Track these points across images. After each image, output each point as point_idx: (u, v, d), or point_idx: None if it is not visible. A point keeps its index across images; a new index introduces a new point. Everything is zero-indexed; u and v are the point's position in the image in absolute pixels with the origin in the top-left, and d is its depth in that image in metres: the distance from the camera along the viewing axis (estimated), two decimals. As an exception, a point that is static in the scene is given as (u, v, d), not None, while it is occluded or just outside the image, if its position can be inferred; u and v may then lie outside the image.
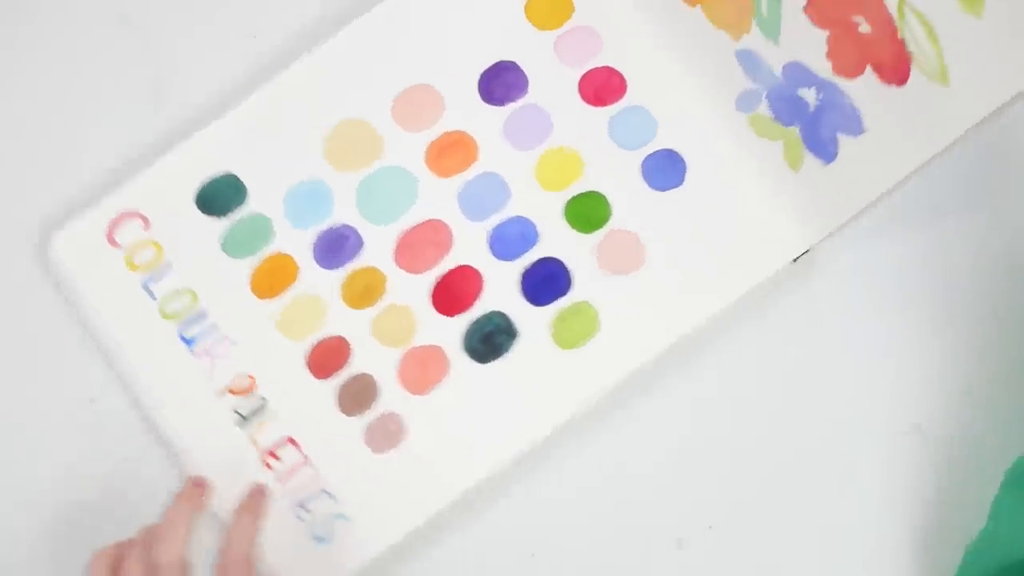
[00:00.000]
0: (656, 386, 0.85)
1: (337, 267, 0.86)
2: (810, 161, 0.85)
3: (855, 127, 0.82)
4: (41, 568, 0.83)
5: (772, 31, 0.84)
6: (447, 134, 0.87)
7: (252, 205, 0.86)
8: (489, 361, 0.84)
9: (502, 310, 0.85)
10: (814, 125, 0.84)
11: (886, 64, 0.81)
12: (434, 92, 0.88)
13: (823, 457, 0.85)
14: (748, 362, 0.86)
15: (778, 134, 0.85)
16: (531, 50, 0.88)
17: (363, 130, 0.87)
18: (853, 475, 0.85)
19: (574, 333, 0.85)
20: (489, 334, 0.85)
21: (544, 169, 0.87)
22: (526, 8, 0.89)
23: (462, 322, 0.85)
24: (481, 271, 0.86)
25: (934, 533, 0.84)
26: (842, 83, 0.82)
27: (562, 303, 0.85)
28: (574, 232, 0.86)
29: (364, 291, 0.85)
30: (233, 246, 0.86)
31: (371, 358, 0.84)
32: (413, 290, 0.85)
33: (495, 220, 0.86)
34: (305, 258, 0.86)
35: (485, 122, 0.87)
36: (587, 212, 0.87)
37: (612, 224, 0.86)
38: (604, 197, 0.87)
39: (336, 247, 0.86)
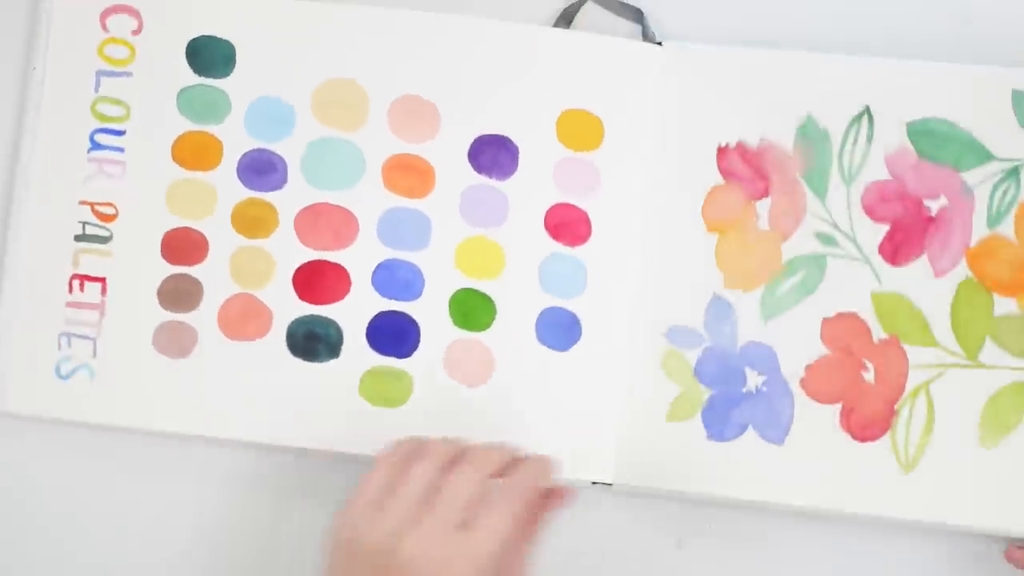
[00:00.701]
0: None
1: (248, 187, 0.87)
2: (693, 425, 0.85)
3: (775, 434, 0.84)
4: None
5: (772, 312, 0.85)
6: (416, 156, 0.88)
7: (229, 83, 0.87)
8: (302, 359, 0.86)
9: (341, 323, 0.86)
10: (731, 402, 0.85)
11: (860, 415, 0.83)
12: (435, 113, 0.88)
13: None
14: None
15: (682, 383, 0.86)
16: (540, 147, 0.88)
17: (355, 97, 0.88)
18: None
19: (383, 394, 0.86)
20: (313, 335, 0.86)
21: (468, 250, 0.87)
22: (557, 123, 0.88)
23: (304, 309, 0.87)
24: (353, 281, 0.87)
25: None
26: (800, 396, 0.84)
27: (392, 362, 0.86)
28: (450, 320, 0.87)
29: (251, 222, 0.87)
30: (186, 102, 0.87)
31: (216, 278, 0.87)
32: (287, 255, 0.87)
33: (395, 254, 0.87)
34: (231, 159, 0.87)
35: (457, 175, 0.88)
36: (471, 310, 0.87)
37: (480, 335, 0.87)
38: (494, 306, 0.87)
39: (261, 169, 0.87)
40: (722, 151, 0.86)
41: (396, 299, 0.87)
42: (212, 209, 0.87)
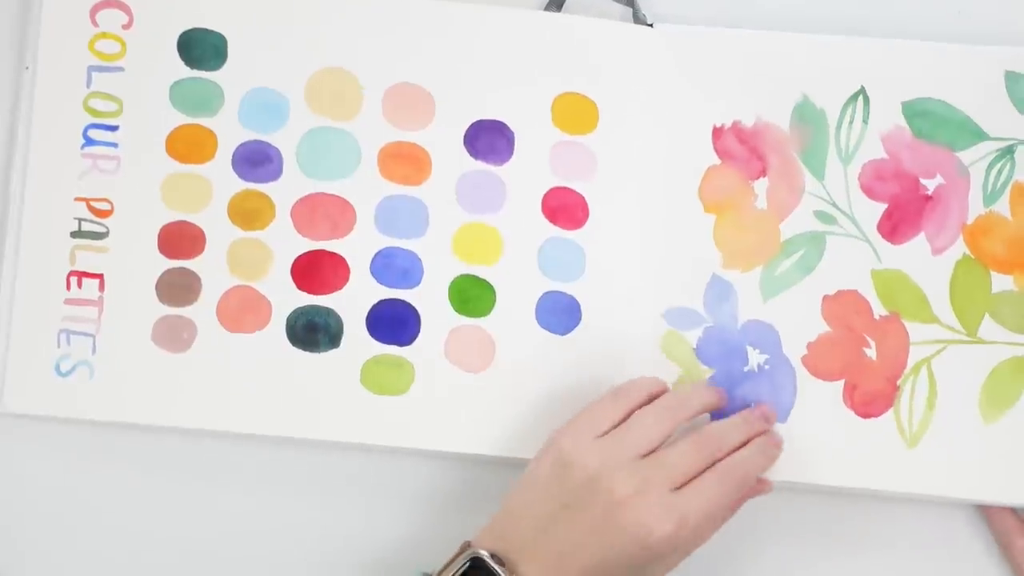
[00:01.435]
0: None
1: (243, 179, 0.87)
2: None
3: (780, 413, 0.84)
4: None
5: (771, 292, 0.85)
6: (411, 144, 0.87)
7: (222, 75, 0.87)
8: (302, 349, 0.86)
9: (340, 313, 0.86)
10: (734, 381, 0.85)
11: (863, 392, 0.84)
12: (430, 100, 0.88)
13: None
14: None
15: (682, 364, 0.86)
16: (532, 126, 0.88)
17: (349, 86, 0.88)
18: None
19: (384, 383, 0.86)
20: (313, 326, 0.86)
21: (466, 236, 0.87)
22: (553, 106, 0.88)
23: (302, 299, 0.87)
24: (351, 270, 0.87)
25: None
26: (802, 373, 0.84)
27: (392, 350, 0.86)
28: (449, 306, 0.87)
29: (248, 213, 0.87)
30: (178, 95, 0.87)
31: (214, 270, 0.86)
32: (285, 246, 0.87)
33: (393, 242, 0.87)
34: (225, 152, 0.87)
35: (453, 162, 0.88)
36: (471, 296, 0.87)
37: (480, 320, 0.87)
38: (493, 292, 0.87)
39: (256, 160, 0.87)
40: (718, 131, 0.86)
41: (395, 287, 0.87)
42: (208, 202, 0.87)
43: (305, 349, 0.86)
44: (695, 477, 0.77)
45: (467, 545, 0.77)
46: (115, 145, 0.87)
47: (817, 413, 0.84)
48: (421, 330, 0.86)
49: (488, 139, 0.87)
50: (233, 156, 0.87)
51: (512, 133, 0.87)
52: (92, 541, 0.87)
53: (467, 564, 0.76)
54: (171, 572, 0.87)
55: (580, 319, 0.87)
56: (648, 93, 0.87)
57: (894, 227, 0.85)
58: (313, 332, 0.86)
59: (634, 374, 0.84)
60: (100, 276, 0.86)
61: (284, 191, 0.87)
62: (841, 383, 0.84)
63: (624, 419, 0.79)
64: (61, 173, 0.86)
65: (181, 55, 0.87)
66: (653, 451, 0.78)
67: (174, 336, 0.86)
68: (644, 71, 0.87)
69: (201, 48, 0.87)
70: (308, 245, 0.87)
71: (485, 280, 0.87)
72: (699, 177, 0.86)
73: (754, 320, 0.85)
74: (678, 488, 0.76)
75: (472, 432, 0.85)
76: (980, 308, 0.84)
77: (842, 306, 0.85)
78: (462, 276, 0.87)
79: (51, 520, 0.87)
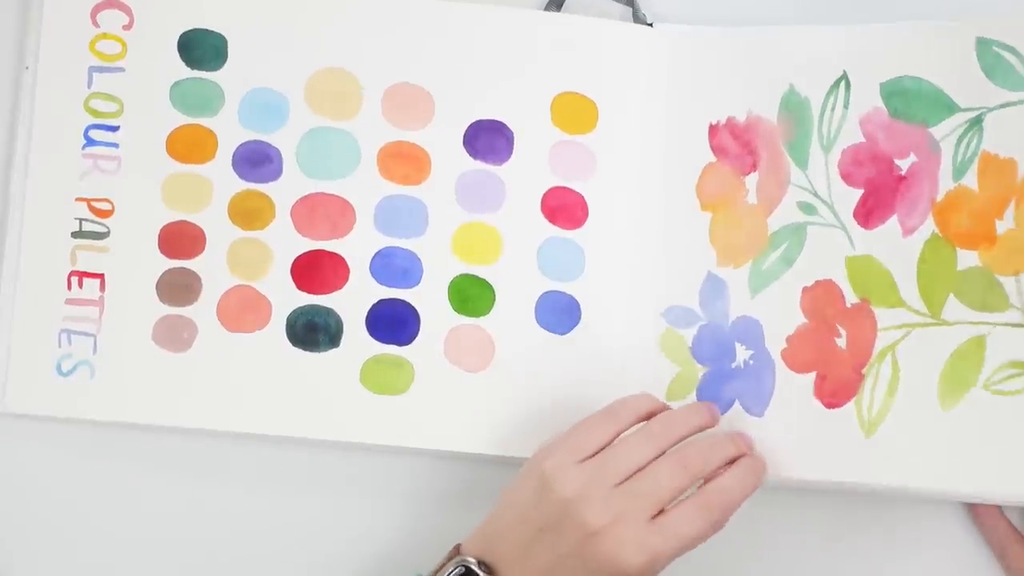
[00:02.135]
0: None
1: (243, 179, 0.87)
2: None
3: (757, 407, 0.83)
4: None
5: (758, 286, 0.85)
6: (411, 144, 0.88)
7: (222, 76, 0.88)
8: (302, 349, 0.86)
9: (340, 312, 0.86)
10: (723, 378, 0.85)
11: (831, 383, 0.82)
12: (429, 100, 0.88)
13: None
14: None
15: (680, 363, 0.86)
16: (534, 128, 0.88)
17: (348, 86, 0.88)
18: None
19: (384, 382, 0.86)
20: (313, 325, 0.86)
21: (466, 236, 0.87)
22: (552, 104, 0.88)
23: (302, 299, 0.87)
24: (351, 270, 0.87)
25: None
26: (780, 367, 0.83)
27: (392, 350, 0.86)
28: (449, 306, 0.87)
29: (248, 213, 0.87)
30: (179, 96, 0.87)
31: (214, 270, 0.87)
32: (285, 246, 0.87)
33: (393, 242, 0.87)
34: (225, 152, 0.87)
35: (453, 162, 0.88)
36: (470, 295, 0.87)
37: (480, 320, 0.87)
38: (493, 291, 0.87)
39: (256, 160, 0.87)
40: (714, 128, 0.86)
41: (395, 287, 0.87)
42: (208, 202, 0.87)
43: (305, 349, 0.86)
44: (679, 497, 0.76)
45: (456, 550, 0.78)
46: (116, 145, 0.87)
47: (789, 408, 0.83)
48: (421, 330, 0.86)
49: (488, 139, 0.88)
50: (233, 156, 0.87)
51: (511, 133, 0.87)
52: (92, 541, 0.87)
53: (456, 571, 0.77)
54: (171, 572, 0.87)
55: (579, 319, 0.87)
56: (648, 92, 0.87)
57: (869, 212, 0.83)
58: (313, 332, 0.86)
59: (633, 374, 0.84)
60: (101, 276, 0.86)
61: (284, 191, 0.87)
62: (813, 375, 0.83)
63: (611, 441, 0.78)
64: (62, 173, 0.86)
65: (181, 55, 0.87)
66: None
67: (174, 336, 0.86)
68: (644, 71, 0.87)
69: (201, 48, 0.88)
70: (308, 245, 0.87)
71: (484, 280, 0.87)
72: (696, 175, 0.86)
73: (743, 316, 0.85)
74: (658, 515, 0.75)
75: (472, 431, 0.86)
76: (945, 288, 0.81)
77: (818, 297, 0.83)
78: (461, 276, 0.87)
79: (51, 520, 0.87)
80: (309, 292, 0.86)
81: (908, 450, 0.80)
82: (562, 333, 0.87)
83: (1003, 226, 0.80)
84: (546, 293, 0.87)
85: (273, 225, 0.87)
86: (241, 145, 0.87)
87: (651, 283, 0.86)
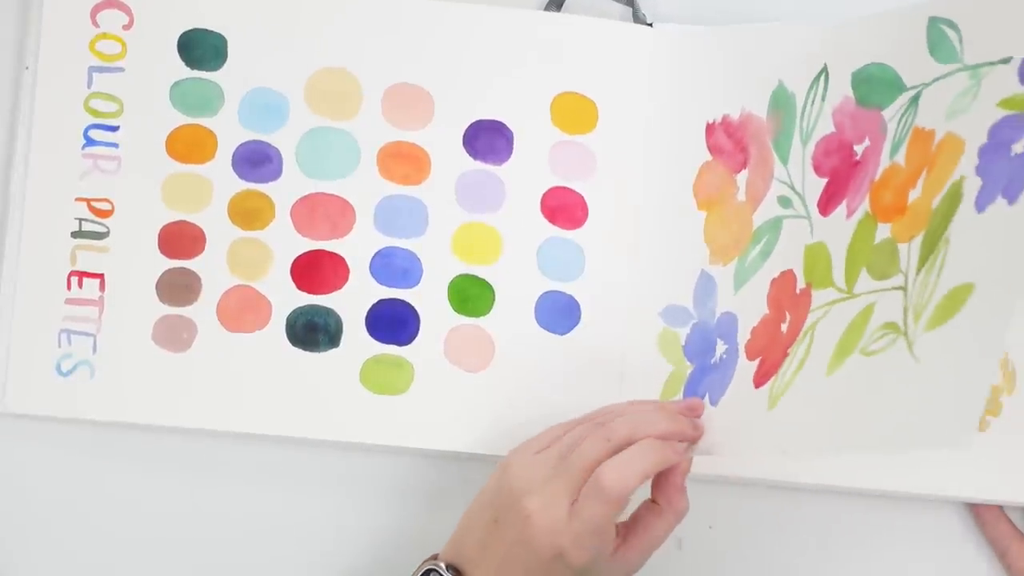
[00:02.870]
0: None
1: (243, 179, 0.87)
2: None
3: (716, 398, 0.83)
4: None
5: (740, 282, 0.85)
6: (411, 144, 0.88)
7: (222, 76, 0.88)
8: (302, 349, 0.86)
9: (340, 312, 0.86)
10: (703, 374, 0.85)
11: (765, 363, 0.81)
12: (429, 100, 0.88)
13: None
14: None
15: (674, 362, 0.86)
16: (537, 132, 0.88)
17: (348, 86, 0.88)
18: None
19: (384, 382, 0.86)
20: (313, 325, 0.86)
21: (466, 236, 0.87)
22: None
23: (302, 299, 0.87)
24: (351, 270, 0.87)
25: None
26: (741, 358, 0.83)
27: (392, 350, 0.86)
28: (449, 306, 0.87)
29: (248, 213, 0.87)
30: (179, 96, 0.87)
31: (214, 270, 0.87)
32: (285, 246, 0.87)
33: (393, 242, 0.87)
34: (225, 152, 0.87)
35: (452, 162, 0.88)
36: (470, 295, 0.87)
37: (479, 320, 0.87)
38: (492, 291, 0.87)
39: (255, 160, 0.87)
40: (710, 127, 0.87)
41: (395, 287, 0.87)
42: (208, 202, 0.87)
43: (305, 349, 0.86)
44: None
45: (434, 558, 0.78)
46: (116, 145, 0.87)
47: (735, 395, 0.82)
48: (420, 330, 0.86)
49: (487, 139, 0.88)
50: (233, 156, 0.87)
51: (511, 133, 0.88)
52: (92, 541, 0.87)
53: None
54: (171, 572, 0.87)
55: (579, 318, 0.87)
56: (648, 92, 0.87)
57: (828, 199, 0.83)
58: (313, 332, 0.86)
59: (632, 373, 0.84)
60: (101, 276, 0.86)
61: (284, 191, 0.87)
62: (757, 361, 0.82)
63: None
64: (62, 173, 0.87)
65: (181, 55, 0.87)
66: None
67: (174, 336, 0.86)
68: (644, 71, 0.87)
69: (201, 48, 0.88)
70: (308, 245, 0.87)
71: (484, 280, 0.87)
72: (694, 174, 0.86)
73: (725, 312, 0.85)
74: (575, 502, 0.74)
75: (471, 431, 0.86)
76: (861, 263, 0.80)
77: (779, 287, 0.83)
78: (461, 276, 0.87)
79: (51, 520, 0.87)
80: (309, 292, 0.86)
81: (797, 420, 0.78)
82: (562, 333, 0.87)
83: (914, 195, 0.79)
84: (546, 293, 0.87)
85: (273, 225, 0.87)
86: (241, 145, 0.87)
87: (650, 283, 0.86)
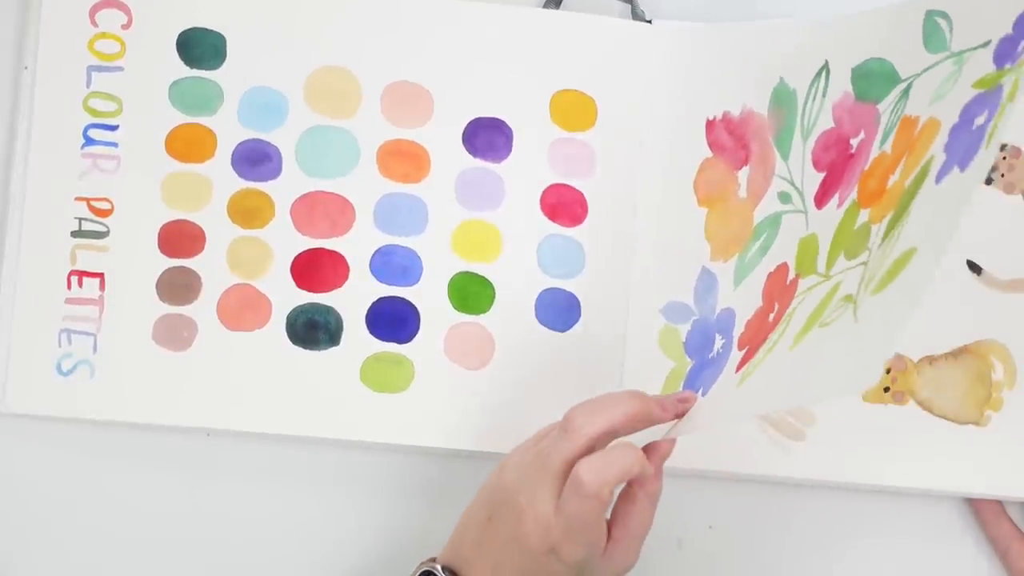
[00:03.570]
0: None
1: (243, 177, 0.87)
2: None
3: (708, 387, 0.82)
4: None
5: (740, 277, 0.85)
6: (410, 142, 0.88)
7: (221, 75, 0.88)
8: (302, 347, 0.86)
9: (340, 310, 0.86)
10: (701, 369, 0.85)
11: (750, 352, 0.81)
12: (428, 98, 0.88)
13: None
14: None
15: (675, 358, 0.86)
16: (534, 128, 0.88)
17: (347, 84, 0.88)
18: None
19: (384, 380, 0.86)
20: (313, 324, 0.86)
21: (466, 234, 0.87)
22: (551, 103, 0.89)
23: (302, 297, 0.87)
24: (351, 268, 0.87)
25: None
26: (733, 350, 0.83)
27: (392, 348, 0.86)
28: (449, 304, 0.87)
29: (247, 212, 0.87)
30: (178, 95, 0.87)
31: (213, 272, 0.87)
32: (285, 244, 0.87)
33: (393, 240, 0.87)
34: (225, 151, 0.87)
35: (452, 159, 0.88)
36: (470, 293, 0.87)
37: (479, 318, 0.87)
38: (493, 289, 0.87)
39: (255, 159, 0.87)
40: (711, 124, 0.87)
41: (395, 285, 0.87)
42: (208, 201, 0.87)
43: (305, 347, 0.86)
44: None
45: (432, 561, 0.77)
46: (115, 145, 0.87)
47: (719, 383, 0.81)
48: (420, 327, 0.86)
49: (487, 136, 0.88)
50: (233, 155, 0.87)
51: (511, 130, 0.88)
52: (92, 541, 0.87)
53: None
54: (171, 571, 0.87)
55: (579, 316, 0.87)
56: (647, 89, 0.87)
57: (824, 193, 0.83)
58: (313, 330, 0.86)
59: (633, 369, 0.84)
60: (101, 275, 0.86)
61: (284, 189, 0.87)
62: (744, 351, 0.82)
63: None
64: (61, 173, 0.86)
65: (180, 55, 0.88)
66: None
67: (174, 335, 0.86)
68: (643, 68, 0.87)
69: (200, 47, 0.88)
70: (308, 243, 0.87)
71: (484, 277, 0.87)
72: (694, 171, 0.86)
73: (725, 308, 0.85)
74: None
75: (472, 429, 0.86)
76: (840, 248, 0.80)
77: (774, 280, 0.83)
78: (461, 273, 0.87)
79: (51, 520, 0.87)
80: (309, 290, 0.86)
81: (756, 389, 0.77)
82: (562, 330, 0.87)
83: (892, 180, 0.79)
84: (546, 290, 0.87)
85: (273, 224, 0.87)
86: (240, 144, 0.87)
87: (650, 279, 0.86)
